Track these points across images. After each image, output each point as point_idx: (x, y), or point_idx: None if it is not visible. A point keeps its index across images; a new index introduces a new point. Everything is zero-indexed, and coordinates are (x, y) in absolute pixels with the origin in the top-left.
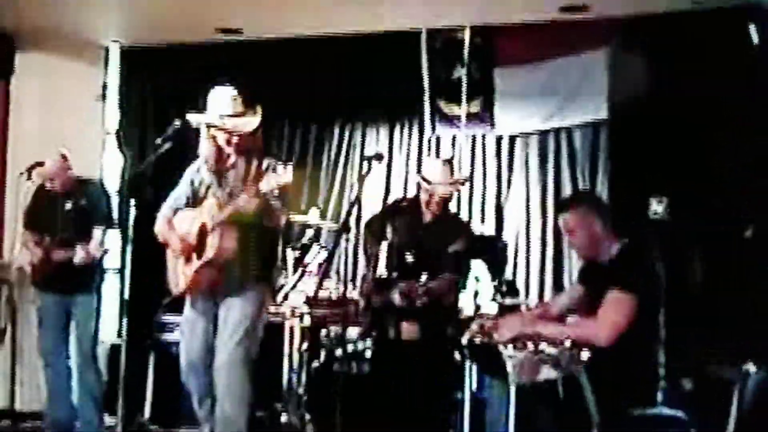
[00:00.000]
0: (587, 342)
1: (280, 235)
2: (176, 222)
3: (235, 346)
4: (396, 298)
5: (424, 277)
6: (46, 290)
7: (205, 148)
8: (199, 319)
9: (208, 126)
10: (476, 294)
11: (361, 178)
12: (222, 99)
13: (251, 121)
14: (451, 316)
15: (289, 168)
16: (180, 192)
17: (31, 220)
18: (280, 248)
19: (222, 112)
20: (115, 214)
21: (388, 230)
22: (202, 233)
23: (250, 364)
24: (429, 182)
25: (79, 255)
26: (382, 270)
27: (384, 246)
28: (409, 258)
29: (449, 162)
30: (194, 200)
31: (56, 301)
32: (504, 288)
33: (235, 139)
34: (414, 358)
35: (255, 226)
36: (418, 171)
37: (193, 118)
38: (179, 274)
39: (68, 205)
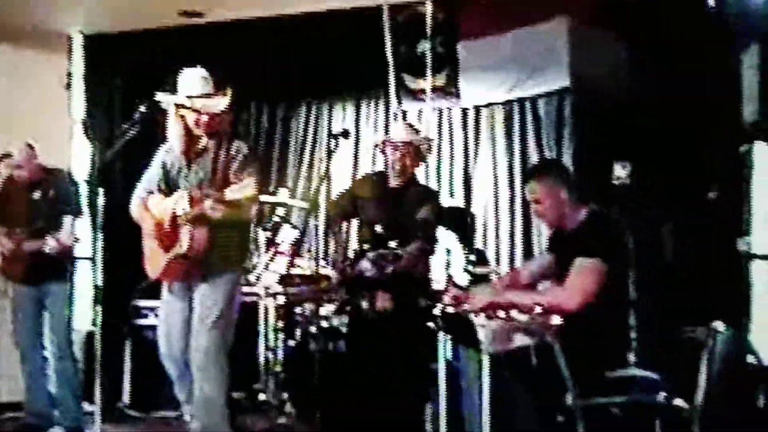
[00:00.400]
0: (558, 309)
1: (250, 224)
2: (151, 205)
3: (208, 330)
4: (365, 266)
5: (393, 244)
6: (19, 281)
7: (174, 129)
8: (176, 303)
9: (177, 106)
10: (447, 265)
11: (329, 156)
12: (191, 80)
13: (220, 102)
14: (423, 286)
15: (253, 179)
16: (152, 174)
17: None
18: (251, 233)
19: (191, 92)
20: (84, 203)
21: (358, 203)
22: (174, 223)
23: (224, 347)
24: (391, 142)
25: (50, 244)
26: (353, 244)
27: (354, 221)
28: (379, 229)
29: (411, 125)
30: (167, 183)
31: (29, 292)
32: (474, 258)
33: (204, 119)
34: (388, 330)
35: (224, 221)
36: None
37: (162, 97)
38: (155, 259)
39: (36, 195)
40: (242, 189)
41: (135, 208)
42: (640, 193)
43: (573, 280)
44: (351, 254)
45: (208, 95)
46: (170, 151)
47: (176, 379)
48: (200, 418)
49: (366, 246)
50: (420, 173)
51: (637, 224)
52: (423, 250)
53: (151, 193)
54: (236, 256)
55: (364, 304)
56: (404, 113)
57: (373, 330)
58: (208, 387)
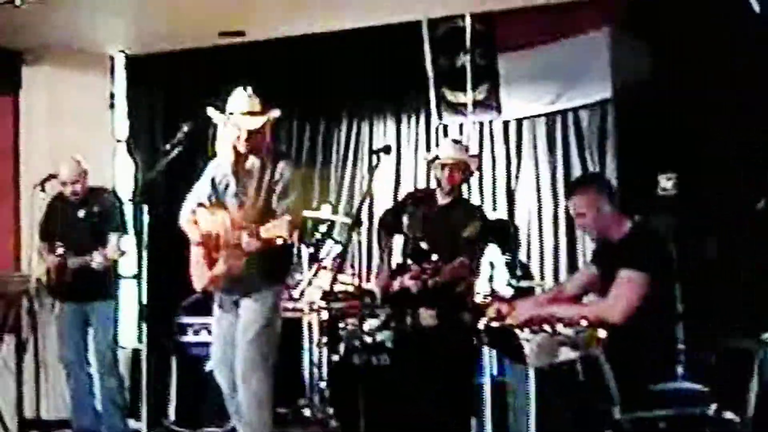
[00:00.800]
0: (601, 321)
1: (292, 245)
2: (199, 219)
3: (248, 345)
4: (408, 282)
5: (434, 257)
6: (64, 299)
7: (222, 145)
8: (224, 317)
9: (224, 123)
10: (491, 278)
11: (371, 172)
12: (236, 98)
13: (258, 120)
14: (467, 301)
15: (287, 220)
16: (202, 187)
17: (45, 230)
18: (293, 252)
19: (234, 110)
20: (129, 221)
21: (404, 220)
22: (217, 242)
23: (266, 360)
24: (441, 160)
25: (96, 259)
26: (397, 260)
27: (398, 238)
28: (424, 245)
29: (460, 143)
30: (216, 197)
31: (74, 309)
32: (519, 271)
33: (243, 136)
34: (433, 346)
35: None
36: (430, 153)
37: (211, 113)
38: (200, 271)
39: (81, 213)
40: (276, 228)
41: (185, 220)
42: (685, 204)
43: (616, 292)
44: (394, 269)
45: (250, 113)
46: (219, 166)
47: (226, 391)
48: (243, 430)
49: (410, 261)
50: (464, 189)
51: (684, 235)
52: (465, 265)
53: (201, 205)
54: (277, 273)
55: (408, 320)
56: (446, 127)
57: (417, 344)
58: (248, 403)
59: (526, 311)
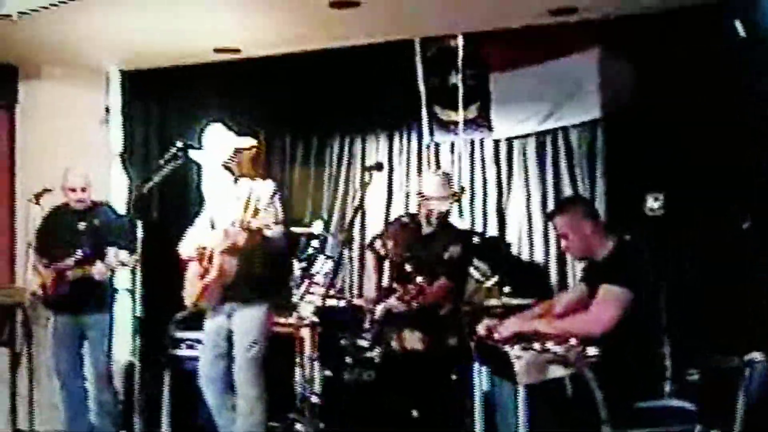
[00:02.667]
0: (583, 334)
1: (283, 253)
2: (197, 238)
3: (246, 352)
4: (393, 303)
5: (419, 279)
6: (60, 311)
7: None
8: (213, 331)
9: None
10: (480, 295)
11: (363, 188)
12: (211, 136)
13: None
14: (452, 324)
15: (273, 209)
16: (203, 220)
17: (43, 242)
18: (284, 266)
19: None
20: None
21: (389, 245)
22: (212, 258)
23: (260, 373)
24: (426, 197)
25: (97, 270)
26: (384, 283)
27: (386, 263)
28: (408, 268)
29: (446, 175)
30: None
31: (69, 322)
32: (509, 289)
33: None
34: (419, 369)
35: (256, 250)
36: (417, 187)
37: (193, 155)
38: (192, 286)
39: (82, 226)
40: (265, 217)
41: (186, 250)
42: (672, 223)
43: (596, 306)
44: (380, 291)
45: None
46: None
47: (213, 405)
48: None
49: (395, 285)
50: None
51: (671, 255)
52: (446, 287)
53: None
54: (269, 288)
55: (393, 343)
56: (437, 145)
57: (404, 366)
58: (249, 407)
59: (511, 327)
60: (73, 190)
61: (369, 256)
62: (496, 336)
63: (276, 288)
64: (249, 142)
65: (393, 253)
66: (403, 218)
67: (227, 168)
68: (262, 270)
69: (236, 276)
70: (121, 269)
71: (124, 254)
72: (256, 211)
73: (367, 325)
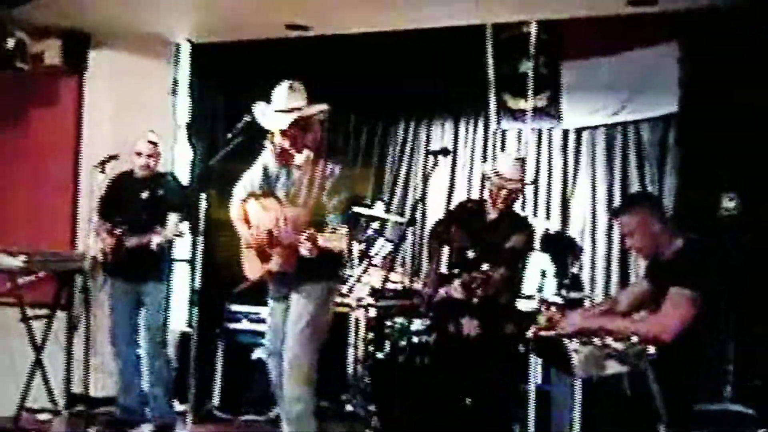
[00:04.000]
0: (651, 338)
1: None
2: (250, 213)
3: (297, 334)
4: (455, 289)
5: (485, 266)
6: (118, 278)
7: (269, 141)
8: (276, 307)
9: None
10: (540, 288)
11: (427, 173)
12: (276, 93)
13: (284, 119)
14: (510, 312)
15: (345, 232)
16: (253, 175)
17: (106, 208)
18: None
19: (278, 107)
20: (188, 206)
21: (453, 230)
22: (270, 237)
23: (312, 352)
24: (500, 176)
25: (155, 240)
26: (444, 269)
27: (446, 248)
28: (471, 255)
29: (522, 160)
30: (268, 185)
31: (127, 289)
32: (569, 282)
33: (277, 133)
34: (475, 355)
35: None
36: (489, 164)
37: (255, 110)
38: (253, 264)
39: (145, 195)
40: (335, 240)
41: (235, 209)
42: (747, 224)
43: (666, 311)
44: (441, 275)
45: (282, 111)
46: (269, 157)
47: (276, 381)
48: (287, 418)
49: (456, 270)
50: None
51: (743, 256)
52: (507, 277)
53: (252, 195)
54: (327, 272)
55: (451, 328)
56: (504, 133)
57: (460, 352)
58: (294, 387)
59: (576, 322)
60: (139, 154)
61: (431, 241)
62: (559, 330)
63: (335, 272)
64: (318, 108)
65: (456, 238)
66: (468, 203)
67: (286, 135)
68: (322, 261)
69: (297, 268)
70: (179, 239)
71: (184, 225)
72: (319, 198)
73: (424, 310)
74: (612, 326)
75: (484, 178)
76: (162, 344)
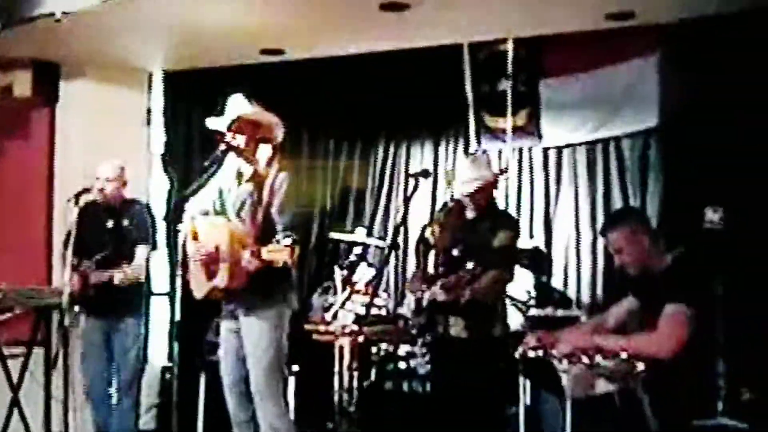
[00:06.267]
0: (650, 356)
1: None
2: (199, 229)
3: (259, 362)
4: (438, 291)
5: (470, 265)
6: (87, 314)
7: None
8: (228, 338)
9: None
10: (527, 306)
11: (408, 196)
12: (233, 103)
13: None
14: (497, 314)
15: (289, 244)
16: (207, 194)
17: (76, 241)
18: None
19: (232, 115)
20: (161, 237)
21: (435, 231)
22: (217, 253)
23: (278, 379)
24: (461, 180)
25: (118, 276)
26: (430, 270)
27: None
28: (456, 252)
29: (478, 156)
30: (220, 205)
31: (97, 325)
32: (556, 300)
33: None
34: (463, 358)
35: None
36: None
37: (209, 122)
38: (199, 282)
39: (110, 224)
40: (278, 252)
41: (185, 226)
42: (732, 237)
43: (665, 328)
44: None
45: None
46: (225, 174)
47: (236, 418)
48: None
49: (441, 270)
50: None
51: (729, 269)
52: (500, 278)
53: (206, 213)
54: (276, 293)
55: (440, 329)
56: (484, 152)
57: (449, 364)
58: (270, 418)
59: (571, 342)
60: (98, 179)
61: (417, 245)
62: (554, 351)
63: (284, 293)
64: (254, 110)
65: (439, 238)
66: (449, 203)
67: (229, 146)
68: (269, 280)
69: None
70: (140, 278)
71: (151, 256)
72: (267, 212)
73: (412, 314)
74: (607, 344)
75: (449, 185)
76: (132, 383)
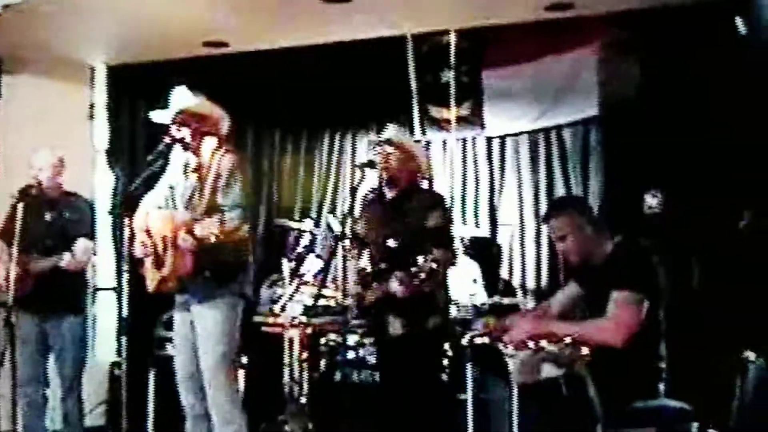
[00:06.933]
0: (601, 343)
1: (246, 246)
2: (150, 222)
3: (212, 353)
4: (395, 287)
5: (420, 260)
6: (25, 311)
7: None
8: (180, 329)
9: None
10: (473, 294)
11: (354, 187)
12: (176, 96)
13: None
14: (435, 306)
15: (216, 219)
16: (160, 190)
17: (5, 231)
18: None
19: (175, 108)
20: (101, 230)
21: (364, 225)
22: (164, 242)
23: (231, 370)
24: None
25: (65, 259)
26: (366, 265)
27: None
28: (392, 243)
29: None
30: (172, 198)
31: (34, 323)
32: (501, 288)
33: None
34: (404, 353)
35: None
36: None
37: (152, 115)
38: (150, 274)
39: (49, 217)
40: (207, 227)
41: (138, 220)
42: (671, 222)
43: (616, 314)
44: (368, 278)
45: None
46: (174, 169)
47: (190, 411)
48: None
49: (383, 265)
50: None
51: (669, 253)
52: (446, 259)
53: (160, 207)
54: (227, 282)
55: (380, 330)
56: (428, 143)
57: (388, 358)
58: (223, 410)
59: (523, 329)
60: (32, 168)
61: (352, 242)
62: (506, 338)
63: (236, 278)
64: (198, 102)
65: (369, 231)
66: (368, 194)
67: (174, 139)
68: (221, 260)
69: (192, 271)
70: (89, 263)
71: (92, 248)
72: (214, 194)
73: (353, 317)
74: (560, 330)
75: (362, 171)
76: (74, 383)
